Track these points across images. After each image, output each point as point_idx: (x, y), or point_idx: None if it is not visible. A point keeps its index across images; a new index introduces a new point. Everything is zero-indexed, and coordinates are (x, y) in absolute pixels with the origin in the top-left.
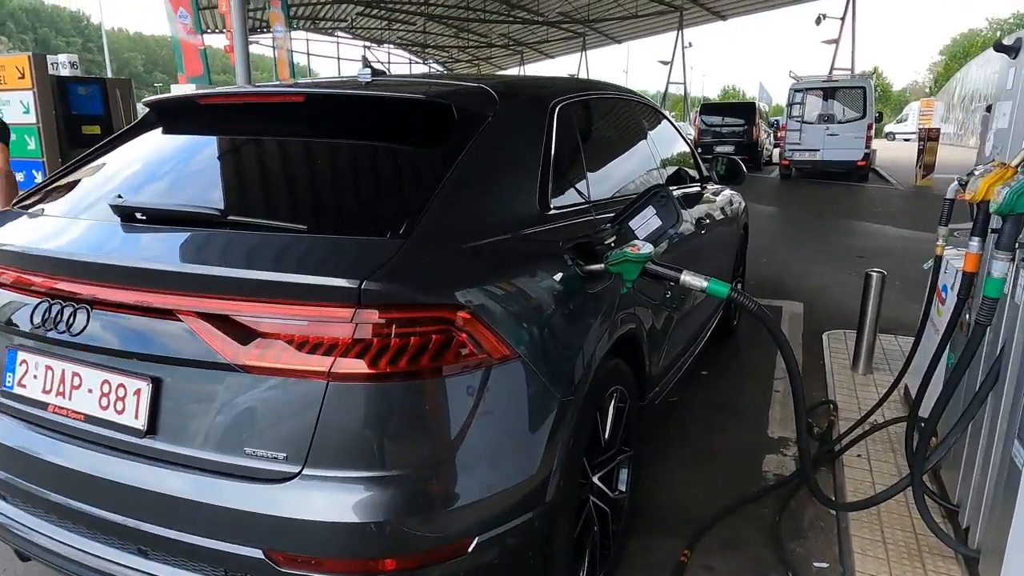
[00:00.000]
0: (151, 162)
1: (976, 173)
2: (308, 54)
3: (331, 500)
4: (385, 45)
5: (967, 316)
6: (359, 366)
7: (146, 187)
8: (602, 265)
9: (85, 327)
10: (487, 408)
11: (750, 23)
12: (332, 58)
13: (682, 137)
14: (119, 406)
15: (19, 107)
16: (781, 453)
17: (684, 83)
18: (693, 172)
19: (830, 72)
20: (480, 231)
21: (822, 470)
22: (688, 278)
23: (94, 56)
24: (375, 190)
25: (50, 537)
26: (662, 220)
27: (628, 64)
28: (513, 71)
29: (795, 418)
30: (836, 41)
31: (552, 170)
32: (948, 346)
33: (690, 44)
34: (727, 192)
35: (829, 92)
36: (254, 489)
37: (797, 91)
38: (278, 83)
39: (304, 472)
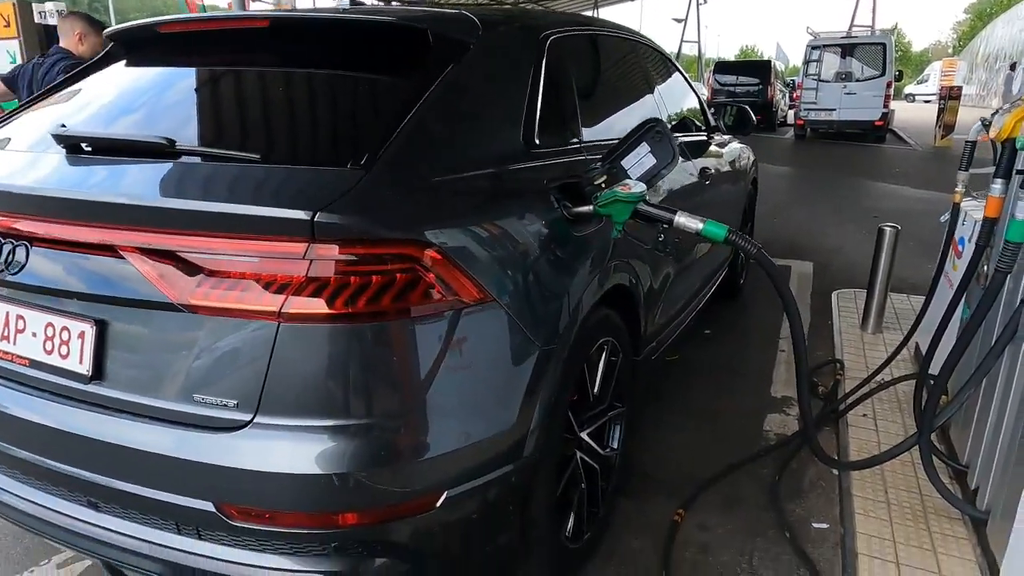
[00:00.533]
0: (106, 94)
1: (1001, 110)
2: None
3: (285, 450)
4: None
5: (985, 267)
6: (313, 306)
7: (96, 118)
8: (591, 207)
9: (25, 266)
10: (458, 355)
11: None
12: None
13: (689, 85)
14: (63, 350)
15: (5, 56)
16: (784, 412)
17: (698, 41)
18: (699, 123)
19: (849, 29)
20: (454, 165)
21: (826, 430)
22: (683, 219)
23: (101, 15)
24: (338, 120)
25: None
26: (657, 158)
27: (641, 22)
28: None
29: (796, 375)
30: None
31: (540, 106)
32: (963, 300)
33: (705, 1)
34: (736, 145)
35: (847, 49)
36: (204, 438)
37: (814, 48)
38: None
39: (256, 420)
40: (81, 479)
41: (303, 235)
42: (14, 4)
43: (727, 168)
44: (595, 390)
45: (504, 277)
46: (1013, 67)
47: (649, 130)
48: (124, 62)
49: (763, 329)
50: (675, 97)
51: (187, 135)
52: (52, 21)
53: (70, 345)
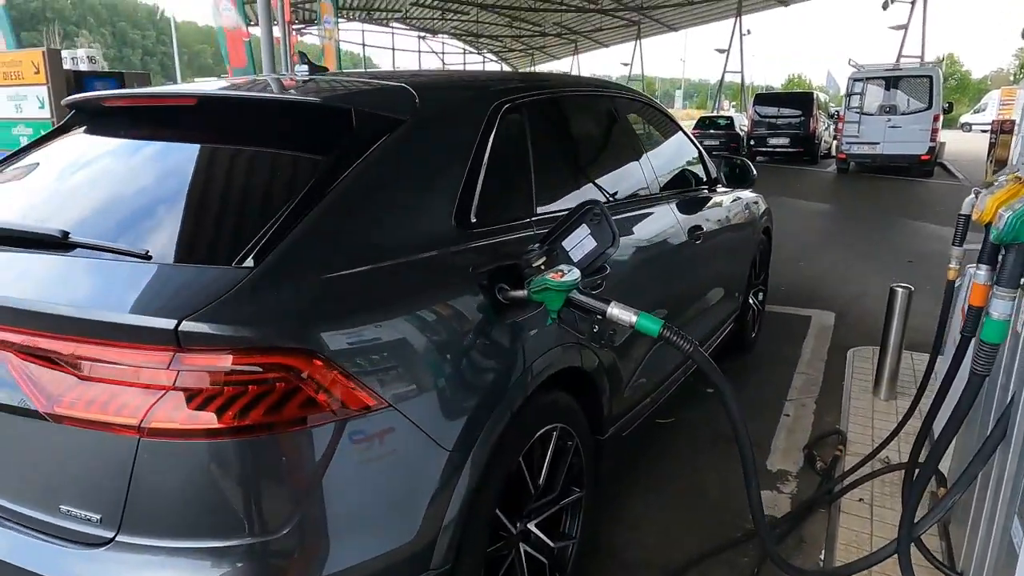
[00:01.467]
0: (38, 171)
1: (996, 183)
2: (363, 44)
3: (147, 573)
4: (440, 35)
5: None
6: (175, 420)
7: (14, 200)
8: (524, 292)
9: None
10: (343, 467)
11: (814, 8)
12: (388, 48)
13: (687, 137)
14: None
15: (35, 102)
16: (777, 490)
17: (741, 71)
18: (699, 176)
19: (897, 60)
20: (359, 256)
21: (819, 512)
22: (616, 311)
23: (167, 48)
24: (239, 211)
25: None
26: (597, 240)
27: (685, 52)
28: (567, 60)
29: (746, 489)
30: (904, 27)
31: (482, 181)
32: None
33: (748, 31)
34: (745, 195)
35: (892, 81)
36: (67, 553)
37: (857, 80)
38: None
39: (118, 538)
40: None
41: (168, 344)
42: (43, 52)
43: (730, 220)
44: (540, 480)
45: (406, 380)
46: None
47: (586, 212)
48: (72, 134)
49: (769, 390)
50: (668, 153)
51: (89, 224)
52: (84, 67)
53: None
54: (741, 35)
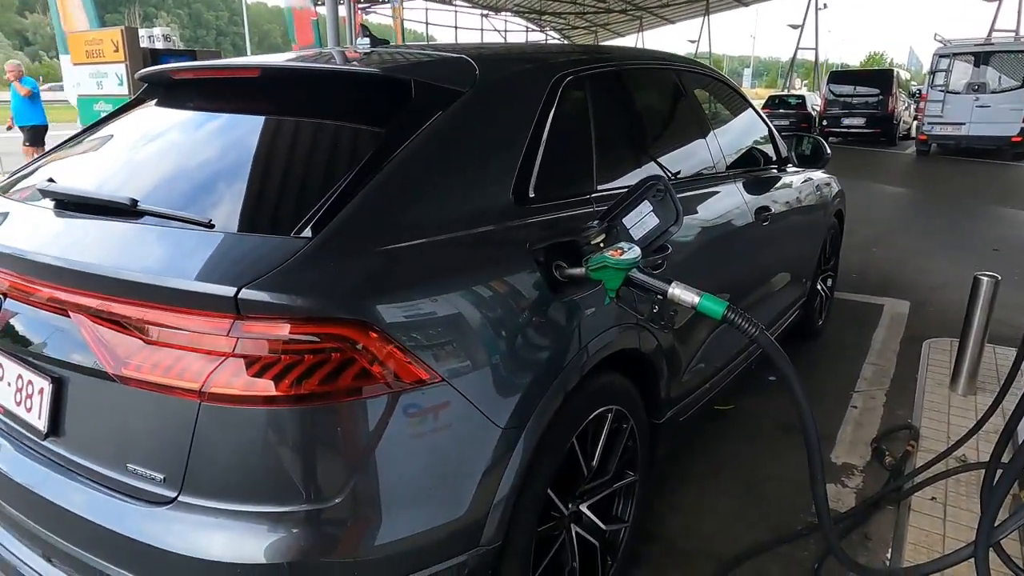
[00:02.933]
0: (111, 142)
1: None
2: (427, 23)
3: (206, 533)
4: (502, 13)
5: None
6: (234, 386)
7: (90, 169)
8: (582, 270)
9: (6, 318)
10: (396, 439)
11: None
12: (450, 27)
13: (757, 114)
14: (28, 403)
15: (114, 79)
16: (841, 483)
17: (816, 48)
18: (769, 155)
19: (989, 34)
20: (417, 229)
21: (887, 509)
22: (678, 291)
23: (239, 28)
24: (300, 181)
25: None
26: (659, 218)
27: (756, 29)
28: (631, 38)
29: (810, 480)
30: None
31: (542, 155)
32: None
33: (825, 5)
34: (815, 176)
35: (982, 57)
36: (133, 510)
37: (943, 56)
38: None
39: (180, 499)
40: (33, 532)
41: (228, 312)
42: (122, 30)
43: (800, 202)
44: (593, 462)
45: (460, 355)
46: None
47: (649, 188)
48: (144, 107)
49: (836, 379)
50: (736, 130)
51: (156, 193)
52: (160, 45)
53: (33, 399)
54: (817, 9)
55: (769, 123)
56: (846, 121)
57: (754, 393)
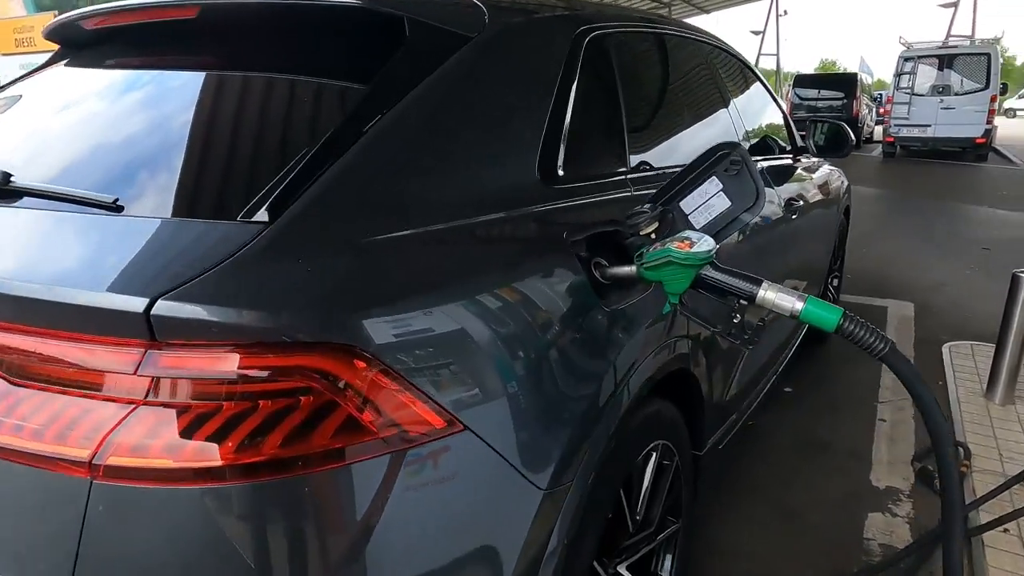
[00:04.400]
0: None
1: None
2: None
3: None
4: None
5: None
6: (145, 453)
7: None
8: (633, 267)
9: None
10: (401, 523)
11: None
12: None
13: (772, 97)
14: None
15: None
16: (890, 512)
17: (777, 54)
18: (783, 142)
19: (946, 39)
20: (418, 213)
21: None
22: (771, 295)
23: None
24: (254, 147)
25: None
26: (732, 199)
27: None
28: None
29: (944, 550)
30: (954, 4)
31: (569, 124)
32: None
33: (785, 12)
34: (826, 167)
35: (946, 60)
36: None
37: (907, 59)
38: None
39: None
40: None
41: (138, 336)
42: (55, 15)
43: (816, 196)
44: (639, 513)
45: (485, 389)
46: None
47: (721, 158)
48: (51, 68)
49: (855, 387)
50: (755, 112)
51: (45, 168)
52: None
53: None
54: (777, 15)
55: (784, 108)
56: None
57: (771, 406)
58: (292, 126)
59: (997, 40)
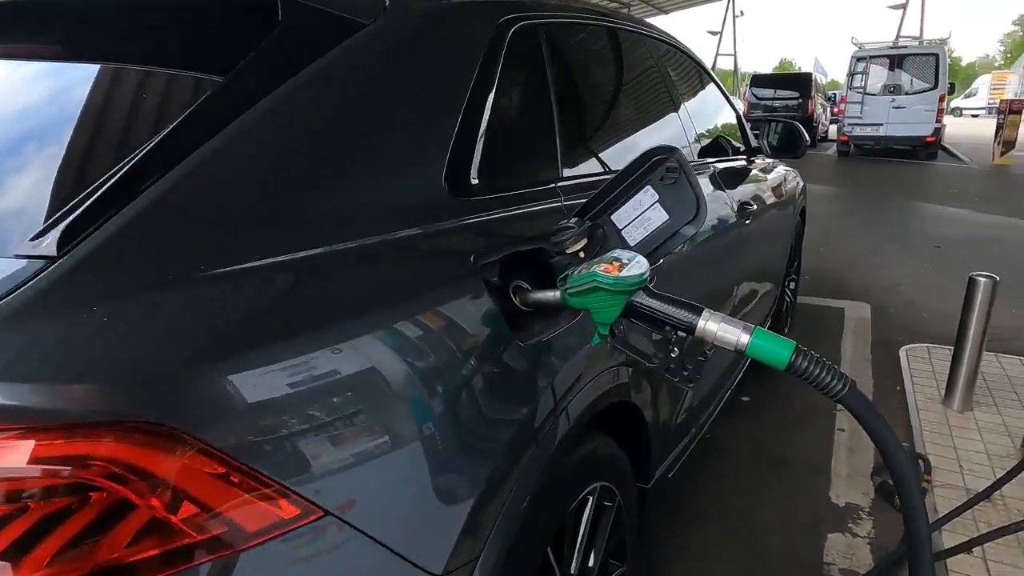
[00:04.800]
0: None
1: None
2: None
3: None
4: None
5: None
6: None
7: None
8: (557, 293)
9: None
10: None
11: None
12: None
13: (724, 96)
14: None
15: None
16: (850, 532)
17: (734, 54)
18: (736, 142)
19: (896, 39)
20: (280, 236)
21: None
22: (712, 326)
23: None
24: (58, 154)
25: None
26: (670, 213)
27: (676, 36)
28: None
29: None
30: (903, 6)
31: (487, 126)
32: None
33: (742, 13)
34: (781, 168)
35: (896, 60)
36: None
37: (859, 59)
38: None
39: None
40: None
41: None
42: None
43: (772, 198)
44: (574, 567)
45: (356, 462)
46: None
47: (656, 164)
48: None
49: (812, 397)
50: (707, 113)
51: None
52: None
53: None
54: (735, 16)
55: (737, 108)
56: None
57: (727, 417)
58: (111, 127)
59: (944, 41)
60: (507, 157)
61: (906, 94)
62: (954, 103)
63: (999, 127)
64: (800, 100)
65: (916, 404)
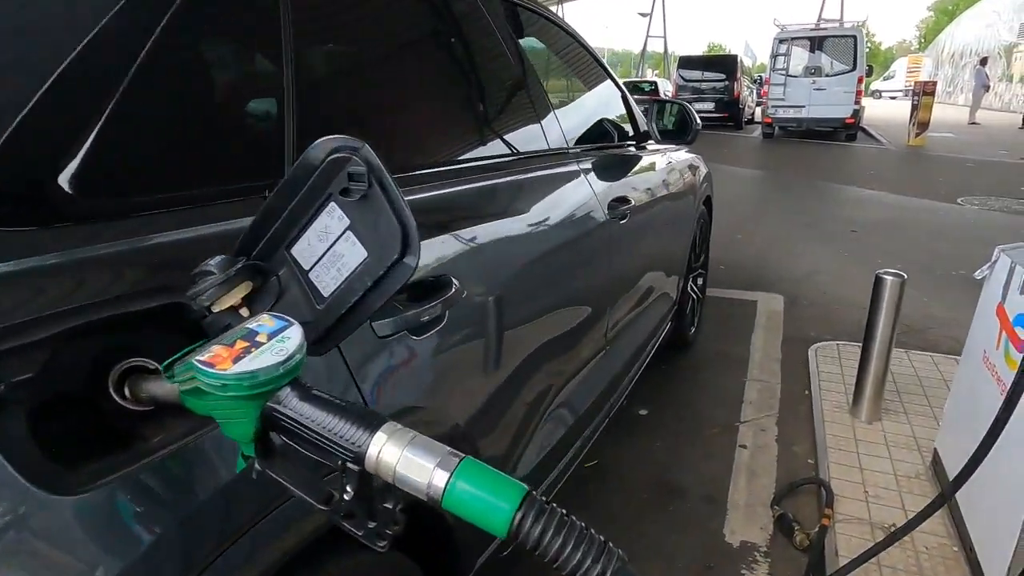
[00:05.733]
0: None
1: None
2: None
3: None
4: None
5: None
6: None
7: None
8: (175, 385)
9: None
10: None
11: None
12: None
13: (605, 70)
14: None
15: None
16: None
17: (664, 36)
18: (625, 126)
19: (817, 22)
20: None
21: None
22: (391, 454)
23: None
24: None
25: None
26: (366, 247)
27: (609, 19)
28: None
29: None
30: None
31: (115, 110)
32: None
33: None
34: (680, 155)
35: (816, 42)
36: None
37: (781, 41)
38: None
39: None
40: None
41: None
42: None
43: (666, 190)
44: None
45: None
46: (984, 62)
47: (332, 168)
48: None
49: (717, 407)
50: (579, 96)
51: None
52: None
53: None
54: None
55: (623, 88)
56: (697, 106)
57: (620, 436)
58: None
59: (862, 24)
60: (166, 146)
61: (826, 76)
62: (873, 86)
63: (914, 108)
64: (727, 82)
65: (823, 415)
